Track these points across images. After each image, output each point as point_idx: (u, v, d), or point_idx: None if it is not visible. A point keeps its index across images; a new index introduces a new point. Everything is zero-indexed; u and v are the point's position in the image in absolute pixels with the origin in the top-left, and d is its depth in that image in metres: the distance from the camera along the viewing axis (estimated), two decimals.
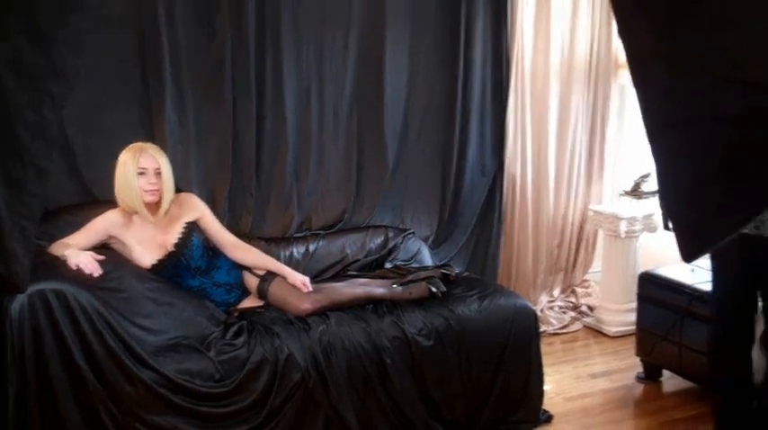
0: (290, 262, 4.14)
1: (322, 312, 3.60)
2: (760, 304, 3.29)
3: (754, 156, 1.58)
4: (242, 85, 4.11)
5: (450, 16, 4.63)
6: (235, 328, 3.43)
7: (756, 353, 3.41)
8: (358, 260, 4.36)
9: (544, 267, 5.32)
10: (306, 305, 3.61)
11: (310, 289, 3.73)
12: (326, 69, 4.35)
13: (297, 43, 4.23)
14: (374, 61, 4.46)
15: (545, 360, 3.95)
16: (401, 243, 4.45)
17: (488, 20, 4.74)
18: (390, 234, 4.50)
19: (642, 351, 4.41)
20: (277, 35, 4.15)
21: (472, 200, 4.89)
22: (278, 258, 4.07)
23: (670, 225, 2.04)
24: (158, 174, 3.52)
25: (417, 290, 3.80)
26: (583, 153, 5.34)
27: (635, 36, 2.02)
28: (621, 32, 2.08)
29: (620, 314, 5.04)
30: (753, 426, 3.34)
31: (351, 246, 4.40)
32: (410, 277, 3.90)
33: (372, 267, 4.33)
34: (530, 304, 4.02)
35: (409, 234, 4.54)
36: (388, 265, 4.32)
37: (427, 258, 4.47)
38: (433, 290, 3.79)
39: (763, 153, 1.60)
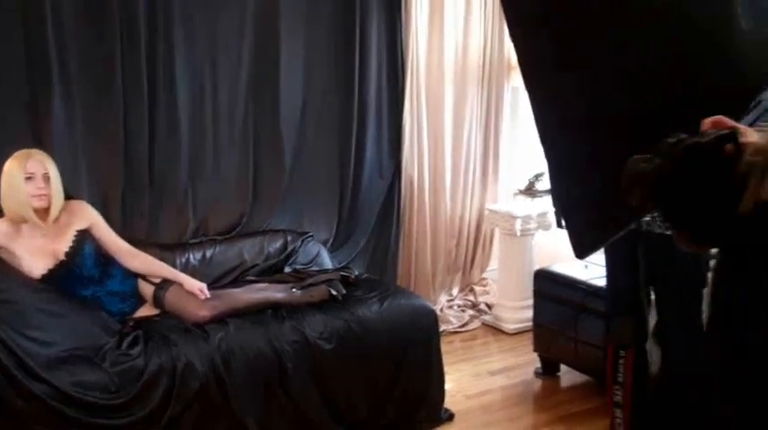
0: (187, 268, 4.06)
1: (220, 319, 3.54)
2: (653, 298, 3.38)
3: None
4: (133, 85, 4.00)
5: (344, 19, 4.64)
6: (130, 338, 3.33)
7: (650, 345, 3.51)
8: (256, 265, 4.31)
9: (442, 267, 5.37)
10: (203, 312, 3.55)
11: (208, 295, 3.66)
12: (220, 69, 4.30)
13: (189, 42, 4.16)
14: (269, 63, 4.42)
15: (445, 359, 3.98)
16: (300, 246, 4.42)
17: (383, 22, 4.77)
18: (289, 238, 4.46)
19: (539, 347, 4.50)
20: (169, 33, 4.07)
21: (371, 202, 4.90)
22: (174, 265, 3.98)
23: (563, 223, 2.08)
24: (47, 178, 3.40)
25: (317, 293, 3.78)
26: (478, 154, 5.41)
27: (529, 43, 2.06)
28: (515, 39, 2.11)
29: (518, 311, 5.13)
30: (649, 417, 3.43)
31: (249, 250, 4.35)
32: (310, 280, 3.88)
33: (271, 272, 4.29)
34: (429, 304, 4.05)
35: (308, 237, 4.51)
36: (287, 270, 4.28)
37: (327, 261, 4.45)
38: (333, 292, 3.79)
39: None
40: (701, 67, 1.73)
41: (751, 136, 1.28)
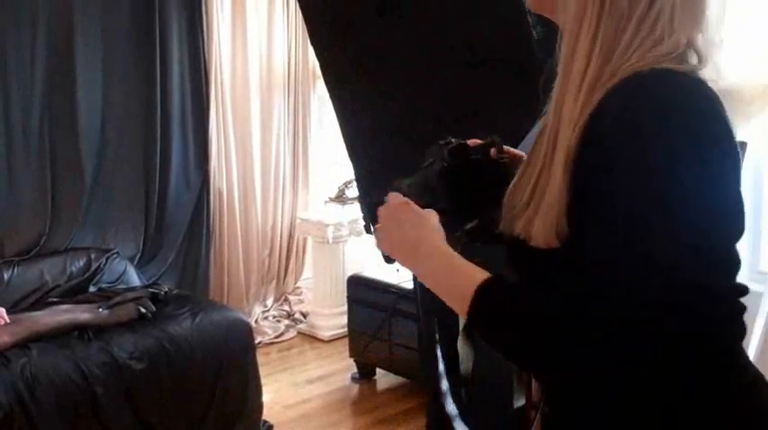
0: None
1: (22, 344, 3.36)
2: None
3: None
4: None
5: (143, 30, 4.52)
6: None
7: (461, 343, 3.62)
8: (59, 286, 4.11)
9: (256, 278, 5.33)
10: (3, 338, 3.35)
11: (7, 320, 3.48)
12: (12, 85, 4.08)
13: None
14: (65, 77, 4.25)
15: (262, 370, 3.95)
16: (105, 264, 4.26)
17: (184, 32, 4.70)
18: (93, 255, 4.29)
19: (355, 352, 4.55)
20: None
21: (179, 215, 4.80)
22: None
23: (372, 228, 2.11)
24: None
25: (125, 312, 3.67)
26: (287, 162, 5.41)
27: (331, 52, 2.08)
28: (317, 48, 2.13)
29: (333, 318, 5.16)
30: (463, 412, 3.54)
31: (50, 271, 4.14)
32: (117, 299, 3.77)
33: (75, 292, 4.10)
34: (244, 316, 4.01)
35: (113, 254, 4.35)
36: (92, 289, 4.12)
37: (134, 278, 4.32)
38: (142, 310, 3.69)
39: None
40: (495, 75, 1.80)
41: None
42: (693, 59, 1.13)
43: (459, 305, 1.19)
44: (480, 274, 1.17)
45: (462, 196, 1.36)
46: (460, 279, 1.20)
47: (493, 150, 1.38)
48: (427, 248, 1.25)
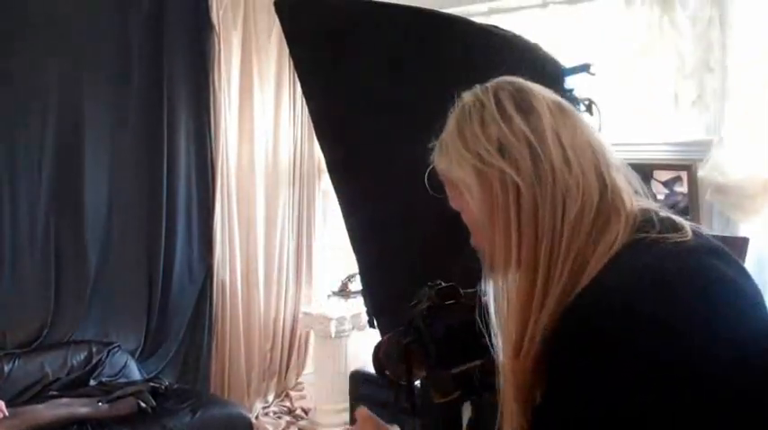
0: None
1: None
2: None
3: (443, 256, 1.69)
4: None
5: (151, 122, 4.60)
6: None
7: None
8: (59, 379, 4.08)
9: (257, 372, 5.27)
10: None
11: (6, 414, 3.45)
12: (20, 174, 4.14)
13: None
14: (72, 167, 4.30)
15: None
16: (106, 358, 4.24)
17: (191, 125, 4.78)
18: (94, 349, 4.27)
19: None
20: None
21: (181, 307, 4.78)
22: None
23: (375, 322, 2.11)
24: None
25: (125, 406, 3.65)
26: (291, 256, 5.42)
27: (334, 145, 2.11)
28: (321, 141, 2.16)
29: (335, 414, 5.08)
30: None
31: (51, 364, 4.12)
32: (117, 393, 3.74)
33: (75, 386, 4.07)
34: (244, 412, 3.96)
35: (114, 348, 4.33)
36: (93, 383, 4.09)
37: (135, 372, 4.28)
38: (142, 405, 3.66)
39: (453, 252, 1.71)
40: None
41: None
42: None
43: None
44: None
45: (449, 339, 1.36)
46: None
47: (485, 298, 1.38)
48: None
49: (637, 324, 1.01)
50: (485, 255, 1.23)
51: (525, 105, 1.18)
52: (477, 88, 1.24)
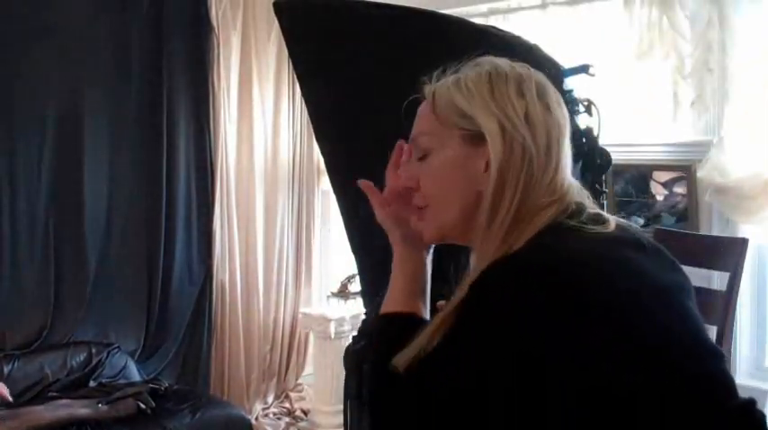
0: None
1: None
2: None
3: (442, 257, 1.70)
4: None
5: (150, 124, 4.60)
6: None
7: None
8: (59, 380, 4.08)
9: (257, 374, 5.27)
10: None
11: (9, 399, 3.51)
12: (19, 173, 4.15)
13: None
14: (72, 167, 4.31)
15: None
16: (106, 359, 4.24)
17: (191, 126, 4.77)
18: (94, 350, 4.26)
19: None
20: None
21: (180, 309, 4.78)
22: None
23: None
24: None
25: (124, 407, 3.65)
26: (290, 257, 5.43)
27: (332, 145, 2.11)
28: (320, 141, 2.16)
29: (334, 416, 5.07)
30: None
31: (50, 365, 4.12)
32: (117, 394, 3.74)
33: (75, 387, 4.07)
34: (244, 413, 3.97)
35: (114, 349, 4.33)
36: (92, 384, 4.09)
37: (135, 373, 4.29)
38: (142, 406, 3.66)
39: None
40: None
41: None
42: None
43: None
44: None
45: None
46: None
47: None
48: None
49: (519, 306, 1.07)
50: (433, 207, 1.31)
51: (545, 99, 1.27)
52: (517, 64, 1.31)
